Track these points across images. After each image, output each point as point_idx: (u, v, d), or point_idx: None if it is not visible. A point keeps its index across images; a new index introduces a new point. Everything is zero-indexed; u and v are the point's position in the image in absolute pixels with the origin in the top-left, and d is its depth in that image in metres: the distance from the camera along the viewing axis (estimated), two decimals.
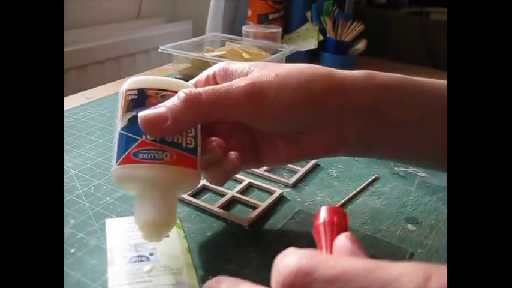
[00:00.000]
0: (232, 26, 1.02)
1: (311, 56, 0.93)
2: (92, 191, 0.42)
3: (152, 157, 0.30)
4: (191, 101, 0.30)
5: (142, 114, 0.30)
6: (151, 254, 0.33)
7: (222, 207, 0.40)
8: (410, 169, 0.49)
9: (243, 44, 0.83)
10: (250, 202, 0.41)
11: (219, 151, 0.33)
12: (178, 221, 0.38)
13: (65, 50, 1.08)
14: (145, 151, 0.30)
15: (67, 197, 0.41)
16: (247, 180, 0.45)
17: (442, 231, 0.39)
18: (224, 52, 0.76)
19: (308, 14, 0.95)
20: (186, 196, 0.41)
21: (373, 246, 0.36)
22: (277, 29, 0.86)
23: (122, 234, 0.35)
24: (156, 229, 0.30)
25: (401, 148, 0.35)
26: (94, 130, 0.55)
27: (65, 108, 0.62)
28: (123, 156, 0.30)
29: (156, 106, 0.31)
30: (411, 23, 0.99)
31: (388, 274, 0.17)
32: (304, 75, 0.32)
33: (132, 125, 0.31)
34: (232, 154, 0.33)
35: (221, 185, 0.39)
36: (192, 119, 0.31)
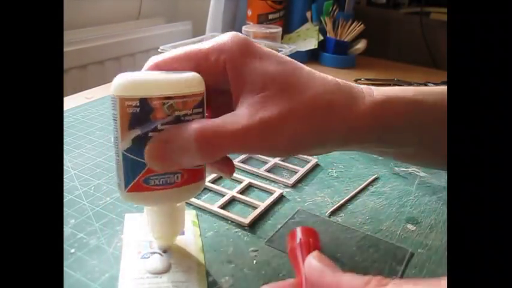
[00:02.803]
0: (232, 26, 1.02)
1: (311, 56, 0.93)
2: (92, 191, 0.42)
3: (164, 182, 0.29)
4: (204, 147, 0.28)
5: (149, 156, 0.28)
6: (165, 251, 0.33)
7: (222, 207, 0.40)
8: (410, 169, 0.49)
9: None
10: (250, 202, 0.41)
11: (226, 170, 0.33)
12: (195, 219, 0.38)
13: (65, 50, 1.08)
14: (155, 177, 0.29)
15: (67, 197, 0.41)
16: (247, 180, 0.45)
17: (442, 231, 0.39)
18: None
19: (308, 14, 0.95)
20: None
21: (373, 246, 0.36)
22: (277, 29, 0.86)
23: (138, 230, 0.36)
24: (168, 239, 0.33)
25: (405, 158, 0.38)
26: (94, 130, 0.55)
27: (65, 108, 0.62)
28: (132, 183, 0.29)
29: (164, 137, 0.28)
30: (411, 23, 0.99)
31: None
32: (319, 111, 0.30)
33: (137, 146, 0.28)
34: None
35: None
36: (201, 161, 0.30)
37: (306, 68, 0.32)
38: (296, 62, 0.32)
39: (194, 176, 0.30)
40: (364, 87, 0.33)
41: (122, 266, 0.32)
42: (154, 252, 0.33)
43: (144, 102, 0.27)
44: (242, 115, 0.28)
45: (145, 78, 0.29)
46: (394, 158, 0.41)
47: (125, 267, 0.32)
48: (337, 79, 0.32)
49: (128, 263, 0.32)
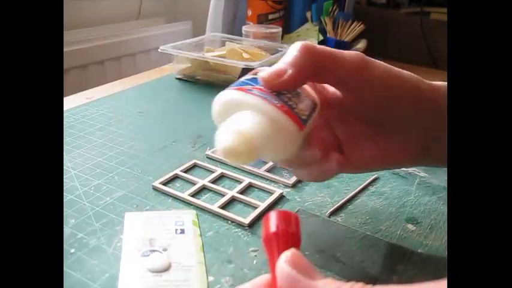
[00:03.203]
0: (232, 26, 1.02)
1: None
2: (92, 191, 0.42)
3: (264, 97, 0.29)
4: (308, 48, 0.31)
5: (262, 70, 0.31)
6: (165, 250, 0.33)
7: (222, 207, 0.40)
8: (410, 169, 0.49)
9: (243, 44, 0.83)
10: (250, 202, 0.41)
11: (319, 151, 0.33)
12: (195, 219, 0.38)
13: (65, 50, 1.08)
14: (259, 91, 0.30)
15: (67, 197, 0.41)
16: (247, 180, 0.45)
17: (442, 231, 0.39)
18: (224, 52, 0.76)
19: (308, 14, 0.95)
20: (186, 196, 0.41)
21: (373, 246, 0.36)
22: (277, 29, 0.86)
23: (139, 228, 0.36)
24: (242, 144, 0.28)
25: None
26: (94, 130, 0.55)
27: (65, 108, 0.62)
28: (237, 87, 0.30)
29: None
30: (411, 23, 0.99)
31: None
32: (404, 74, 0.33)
33: (251, 79, 0.31)
34: (334, 158, 0.33)
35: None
36: (309, 66, 0.31)
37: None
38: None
39: (292, 116, 0.30)
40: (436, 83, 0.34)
41: (121, 264, 0.32)
42: (154, 250, 0.33)
43: None
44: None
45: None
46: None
47: (125, 266, 0.32)
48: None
49: (127, 262, 0.32)
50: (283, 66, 0.31)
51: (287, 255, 0.22)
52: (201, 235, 0.36)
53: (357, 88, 0.32)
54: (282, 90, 0.30)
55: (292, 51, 0.31)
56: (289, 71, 0.30)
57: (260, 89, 0.30)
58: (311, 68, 0.31)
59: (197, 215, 0.39)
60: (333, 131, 0.36)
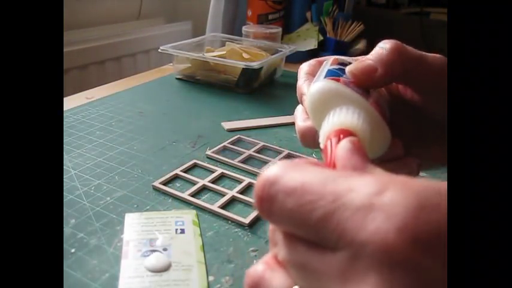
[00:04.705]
0: (232, 26, 1.02)
1: (311, 56, 0.93)
2: (92, 191, 0.42)
3: (360, 92, 0.29)
4: (398, 49, 0.30)
5: (351, 65, 0.30)
6: (165, 249, 0.33)
7: (222, 207, 0.40)
8: None
9: (243, 44, 0.83)
10: (250, 202, 0.41)
11: (401, 148, 0.32)
12: (195, 219, 0.38)
13: (65, 50, 1.08)
14: (355, 86, 0.29)
15: (67, 197, 0.41)
16: (247, 180, 0.45)
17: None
18: (224, 52, 0.76)
19: (308, 14, 0.95)
20: (186, 196, 0.41)
21: None
22: (277, 29, 0.86)
23: (139, 229, 0.36)
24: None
25: None
26: (94, 130, 0.55)
27: (65, 108, 0.62)
28: (333, 77, 0.29)
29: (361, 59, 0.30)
30: (411, 23, 0.99)
31: (342, 187, 0.16)
32: None
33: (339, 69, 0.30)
34: (414, 160, 0.33)
35: None
36: (398, 67, 0.31)
37: None
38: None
39: (381, 111, 0.30)
40: None
41: (122, 264, 0.32)
42: (154, 250, 0.33)
43: None
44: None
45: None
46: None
47: (125, 266, 0.32)
48: None
49: (128, 262, 0.32)
50: (373, 63, 0.30)
51: (347, 141, 0.21)
52: (201, 235, 0.36)
53: (440, 92, 0.32)
54: (368, 88, 0.30)
55: (382, 49, 0.31)
56: (380, 70, 0.30)
57: (353, 82, 0.30)
58: (400, 69, 0.31)
59: (197, 214, 0.39)
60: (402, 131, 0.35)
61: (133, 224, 0.37)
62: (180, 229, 0.36)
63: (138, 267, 0.32)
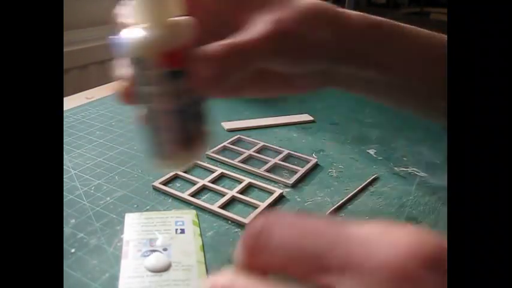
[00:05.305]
0: None
1: None
2: (92, 191, 0.42)
3: None
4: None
5: None
6: (165, 249, 0.34)
7: (222, 207, 0.40)
8: (410, 169, 0.49)
9: None
10: (250, 202, 0.41)
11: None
12: (195, 219, 0.38)
13: (65, 50, 1.08)
14: None
15: (67, 197, 0.41)
16: (247, 180, 0.45)
17: (442, 231, 0.39)
18: None
19: None
20: (186, 196, 0.41)
21: None
22: None
23: (139, 229, 0.36)
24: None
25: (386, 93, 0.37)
26: (94, 130, 0.55)
27: (65, 108, 0.62)
28: None
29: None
30: (411, 23, 0.99)
31: None
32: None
33: None
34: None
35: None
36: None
37: None
38: None
39: None
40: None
41: (122, 264, 0.32)
42: (154, 250, 0.33)
43: None
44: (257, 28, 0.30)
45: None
46: (384, 95, 0.39)
47: (125, 266, 0.32)
48: None
49: (128, 262, 0.32)
50: None
51: None
52: (201, 235, 0.36)
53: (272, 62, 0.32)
54: None
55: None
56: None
57: None
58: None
59: (197, 214, 0.39)
60: None
61: (133, 224, 0.37)
62: (180, 229, 0.36)
63: (138, 267, 0.32)
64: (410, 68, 0.35)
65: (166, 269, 0.32)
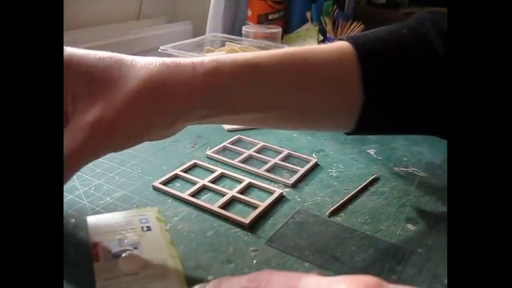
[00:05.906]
0: (232, 26, 1.02)
1: None
2: (92, 191, 0.42)
3: None
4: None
5: None
6: (136, 248, 0.34)
7: (222, 207, 0.40)
8: (410, 169, 0.49)
9: (243, 44, 0.83)
10: (250, 202, 0.41)
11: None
12: (159, 216, 0.38)
13: None
14: None
15: (67, 196, 0.41)
16: (247, 180, 0.45)
17: (442, 231, 0.39)
18: (224, 52, 0.76)
19: (308, 14, 0.95)
20: (186, 196, 0.41)
21: (373, 246, 0.36)
22: (277, 29, 0.86)
23: (105, 230, 0.36)
24: None
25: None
26: None
27: None
28: None
29: None
30: None
31: None
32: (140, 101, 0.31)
33: None
34: None
35: None
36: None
37: (129, 57, 0.32)
38: (117, 54, 0.32)
39: None
40: (195, 59, 0.33)
41: (95, 267, 0.32)
42: (125, 250, 0.33)
43: None
44: (74, 128, 0.29)
45: None
46: (250, 124, 0.42)
47: (99, 269, 0.31)
48: (164, 59, 0.32)
49: (100, 265, 0.32)
50: None
51: None
52: (167, 230, 0.36)
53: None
54: None
55: None
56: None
57: None
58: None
59: (159, 211, 0.39)
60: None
61: (98, 226, 0.36)
62: (146, 226, 0.36)
63: (112, 269, 0.31)
64: (274, 103, 0.35)
65: (141, 266, 0.32)
